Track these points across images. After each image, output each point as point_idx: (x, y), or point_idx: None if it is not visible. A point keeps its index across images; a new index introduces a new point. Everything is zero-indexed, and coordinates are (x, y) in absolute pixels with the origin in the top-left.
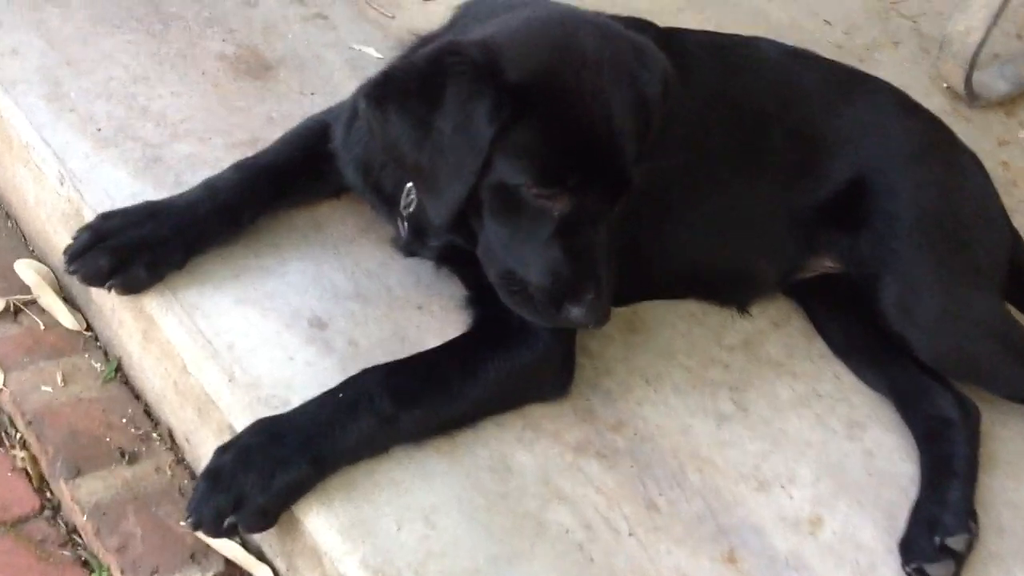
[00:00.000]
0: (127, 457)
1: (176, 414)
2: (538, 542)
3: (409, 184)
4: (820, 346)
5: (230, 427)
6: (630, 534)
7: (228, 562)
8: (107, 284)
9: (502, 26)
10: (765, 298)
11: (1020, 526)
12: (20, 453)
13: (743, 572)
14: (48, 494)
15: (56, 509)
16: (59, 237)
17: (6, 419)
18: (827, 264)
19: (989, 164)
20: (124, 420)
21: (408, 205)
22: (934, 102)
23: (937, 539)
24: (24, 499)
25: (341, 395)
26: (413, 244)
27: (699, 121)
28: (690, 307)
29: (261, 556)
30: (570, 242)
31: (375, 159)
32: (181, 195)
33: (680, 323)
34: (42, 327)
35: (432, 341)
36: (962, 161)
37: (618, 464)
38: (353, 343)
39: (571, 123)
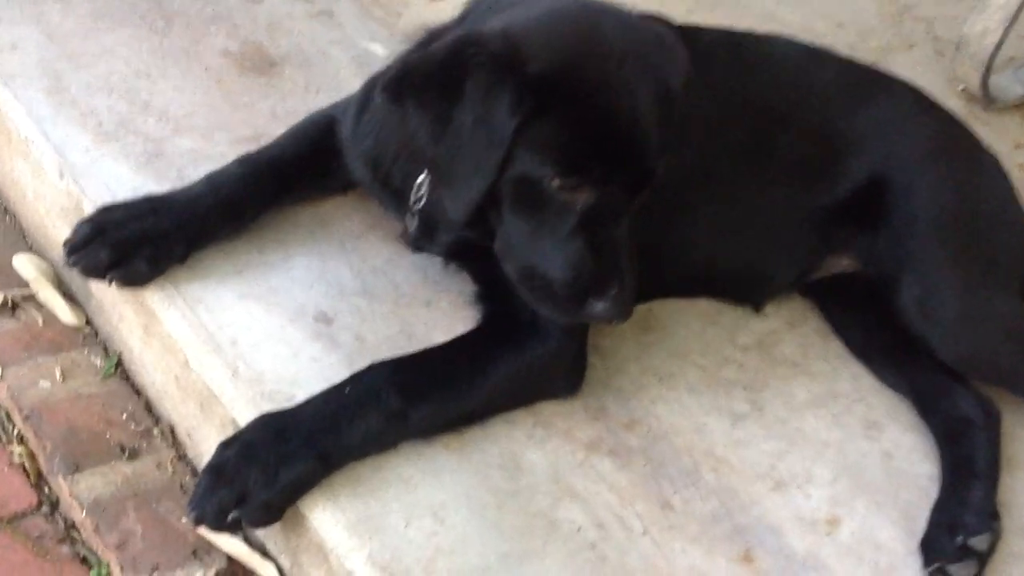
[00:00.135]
0: (127, 453)
1: (178, 410)
2: (550, 540)
3: (419, 179)
4: (836, 346)
5: (233, 422)
6: (644, 533)
7: (231, 560)
8: (107, 277)
9: (521, 16)
10: (780, 298)
11: None
12: (17, 449)
13: (759, 572)
14: (46, 490)
15: (54, 505)
16: (58, 231)
17: (3, 415)
18: (844, 263)
19: (1006, 167)
20: (124, 416)
21: (418, 200)
22: (949, 105)
23: (959, 539)
24: (21, 495)
25: (348, 390)
26: (422, 240)
27: (715, 118)
28: (704, 306)
29: (265, 553)
30: (593, 236)
31: (385, 153)
32: (184, 189)
33: (694, 322)
34: (40, 322)
35: (440, 338)
36: (982, 160)
37: (631, 463)
38: (359, 339)
39: (595, 114)
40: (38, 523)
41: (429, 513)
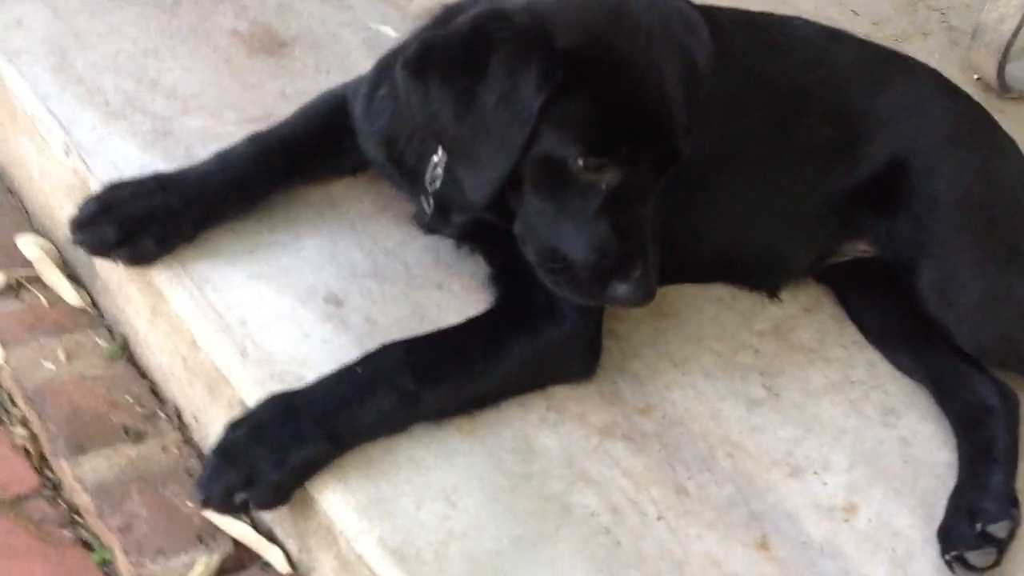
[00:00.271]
0: (132, 436)
1: (184, 392)
2: (563, 525)
3: (435, 159)
4: (852, 332)
5: (242, 403)
6: (659, 518)
7: (237, 544)
8: (114, 255)
9: None
10: (795, 283)
11: None
12: (20, 431)
13: (776, 559)
14: (48, 473)
15: (56, 488)
16: (64, 211)
17: (6, 396)
18: (861, 248)
19: None
20: (129, 398)
21: (434, 180)
22: None
23: (978, 526)
24: (23, 477)
25: (360, 370)
26: (435, 221)
27: (734, 100)
28: (719, 291)
29: (272, 537)
30: (617, 217)
31: (400, 132)
32: (193, 167)
33: (709, 307)
34: (45, 303)
35: (452, 320)
36: (1003, 145)
37: (646, 447)
38: (371, 321)
39: (623, 91)
40: (40, 506)
41: (441, 496)
